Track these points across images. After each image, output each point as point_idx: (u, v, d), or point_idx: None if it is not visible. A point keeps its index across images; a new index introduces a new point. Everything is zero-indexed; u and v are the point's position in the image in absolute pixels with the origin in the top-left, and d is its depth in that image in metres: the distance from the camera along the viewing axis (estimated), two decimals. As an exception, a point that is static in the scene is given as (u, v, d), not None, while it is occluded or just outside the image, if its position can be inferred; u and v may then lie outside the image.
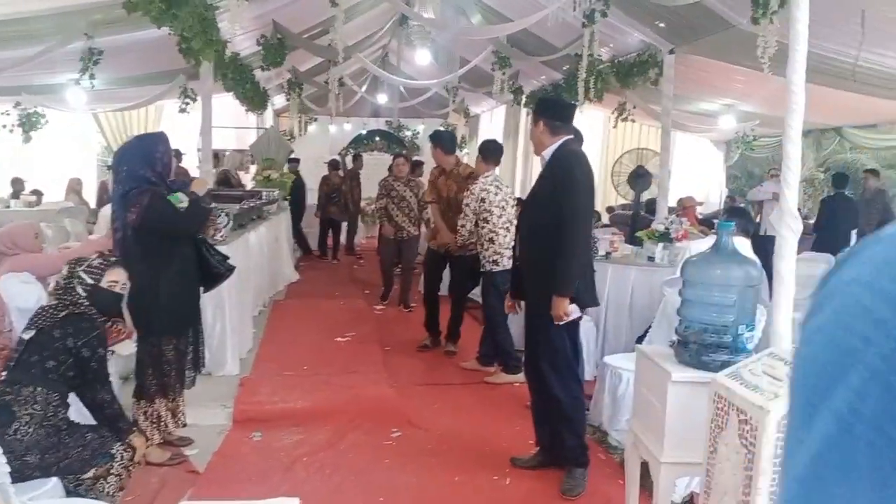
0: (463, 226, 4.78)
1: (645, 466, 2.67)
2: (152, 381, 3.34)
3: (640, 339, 4.57)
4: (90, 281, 2.76)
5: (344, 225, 11.19)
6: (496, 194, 4.74)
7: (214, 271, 3.57)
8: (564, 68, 8.69)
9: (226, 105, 11.47)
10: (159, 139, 3.41)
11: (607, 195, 12.00)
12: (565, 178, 3.16)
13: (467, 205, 4.75)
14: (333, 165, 11.12)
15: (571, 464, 3.23)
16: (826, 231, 7.78)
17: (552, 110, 3.41)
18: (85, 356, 2.60)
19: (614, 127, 9.25)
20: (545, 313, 3.13)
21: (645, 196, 8.63)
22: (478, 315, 5.80)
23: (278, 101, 13.51)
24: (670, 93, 6.90)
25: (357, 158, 11.53)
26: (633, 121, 9.15)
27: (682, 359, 2.44)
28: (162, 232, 3.27)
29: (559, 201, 3.12)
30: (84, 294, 2.72)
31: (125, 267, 3.51)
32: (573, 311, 3.14)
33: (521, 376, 4.65)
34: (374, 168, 12.37)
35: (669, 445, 2.39)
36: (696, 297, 2.40)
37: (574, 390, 3.26)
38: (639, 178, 8.22)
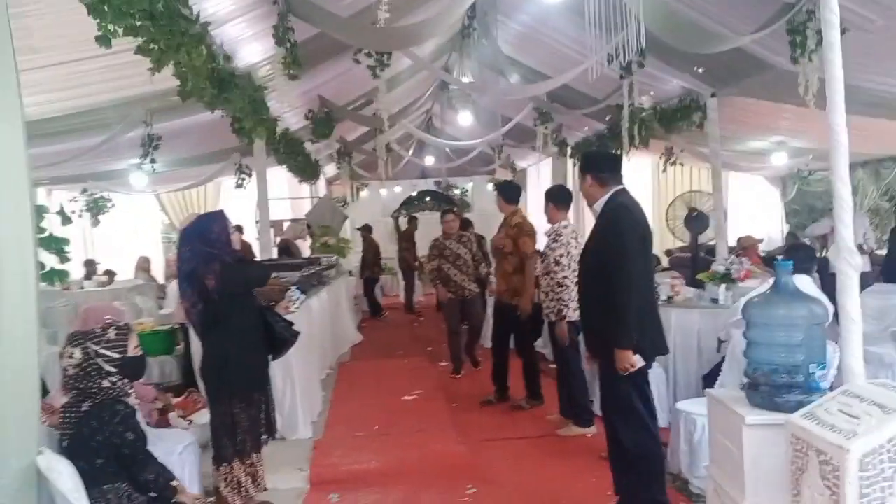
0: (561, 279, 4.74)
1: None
2: (227, 444, 3.46)
3: (706, 377, 4.51)
4: (116, 355, 2.66)
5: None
6: (576, 246, 4.76)
7: (280, 337, 3.73)
8: (607, 118, 8.80)
9: (280, 177, 11.98)
10: (215, 218, 3.59)
11: (664, 239, 11.91)
12: (613, 230, 3.23)
13: (562, 255, 4.71)
14: (367, 230, 11.52)
15: None
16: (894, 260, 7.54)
17: (597, 163, 3.49)
18: (116, 443, 2.55)
19: (663, 171, 9.26)
20: (607, 364, 3.16)
21: (702, 238, 8.56)
22: (544, 367, 5.83)
23: (329, 169, 14.00)
24: (717, 134, 6.92)
25: (412, 220, 11.81)
26: (682, 164, 9.15)
27: (755, 401, 2.43)
28: (240, 290, 3.49)
29: (608, 254, 3.18)
30: (114, 370, 2.63)
31: (199, 337, 3.72)
32: (638, 360, 3.13)
33: (593, 428, 4.65)
34: (426, 226, 12.66)
35: (751, 491, 2.36)
36: (762, 339, 2.40)
37: (643, 441, 3.21)
38: (694, 219, 8.17)
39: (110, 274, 9.62)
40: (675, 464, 3.81)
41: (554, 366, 5.52)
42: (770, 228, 11.48)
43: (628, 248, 3.14)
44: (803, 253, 4.33)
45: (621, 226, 3.20)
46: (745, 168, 10.19)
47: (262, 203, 7.71)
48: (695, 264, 7.45)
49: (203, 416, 4.44)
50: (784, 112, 7.16)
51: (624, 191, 3.41)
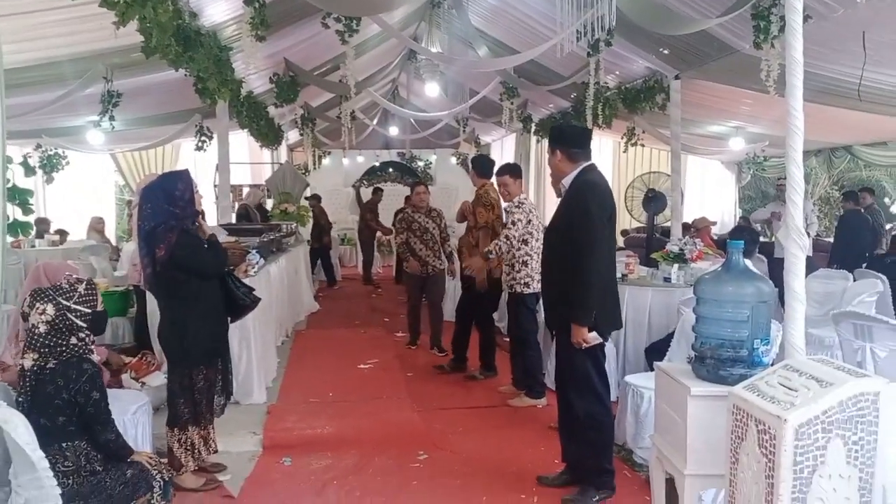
0: (499, 246, 4.74)
1: (670, 482, 2.73)
2: (184, 409, 3.44)
3: (647, 350, 4.66)
4: (87, 310, 2.65)
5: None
6: (536, 217, 4.85)
7: (241, 303, 3.70)
8: (572, 96, 8.87)
9: (241, 142, 11.79)
10: (178, 177, 3.49)
11: (621, 219, 12.10)
12: (579, 209, 3.21)
13: (514, 223, 4.72)
14: (316, 199, 11.36)
15: (588, 483, 3.31)
16: (841, 248, 7.88)
17: (568, 138, 3.43)
18: (80, 402, 2.54)
19: (624, 152, 9.38)
20: (567, 337, 3.24)
21: (659, 219, 8.74)
22: (499, 340, 5.92)
23: (292, 136, 13.81)
24: (678, 117, 7.03)
25: (377, 191, 11.72)
26: (642, 145, 9.28)
27: (700, 374, 2.53)
28: (187, 269, 3.37)
29: (575, 233, 3.19)
30: (84, 325, 2.63)
31: (157, 299, 3.67)
32: (594, 337, 3.20)
33: (544, 400, 4.76)
34: (388, 198, 12.61)
35: (692, 458, 2.46)
36: (710, 314, 2.49)
37: (596, 412, 3.31)
38: (652, 200, 8.33)
39: (62, 233, 9.37)
40: (620, 435, 3.92)
41: (507, 339, 5.62)
42: (724, 212, 11.79)
43: (595, 228, 3.15)
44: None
45: (589, 206, 3.18)
46: (704, 152, 10.39)
47: (223, 166, 7.59)
48: (650, 244, 7.62)
49: (156, 379, 4.40)
50: (744, 97, 7.31)
51: (592, 167, 3.38)
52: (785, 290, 2.31)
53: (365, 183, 15.38)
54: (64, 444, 2.50)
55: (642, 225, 9.70)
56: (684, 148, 9.24)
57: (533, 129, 11.35)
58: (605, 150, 12.05)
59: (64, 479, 2.44)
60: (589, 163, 3.37)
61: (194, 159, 10.00)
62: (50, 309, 2.55)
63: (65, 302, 2.59)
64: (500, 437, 4.22)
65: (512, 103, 9.96)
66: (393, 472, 3.63)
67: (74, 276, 2.86)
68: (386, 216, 11.52)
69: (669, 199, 7.87)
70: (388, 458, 3.81)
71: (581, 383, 3.31)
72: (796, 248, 2.24)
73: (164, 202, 3.37)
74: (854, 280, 5.38)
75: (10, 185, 2.91)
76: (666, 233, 8.03)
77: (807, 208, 6.94)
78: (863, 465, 1.98)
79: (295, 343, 6.61)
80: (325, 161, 16.25)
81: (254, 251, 4.72)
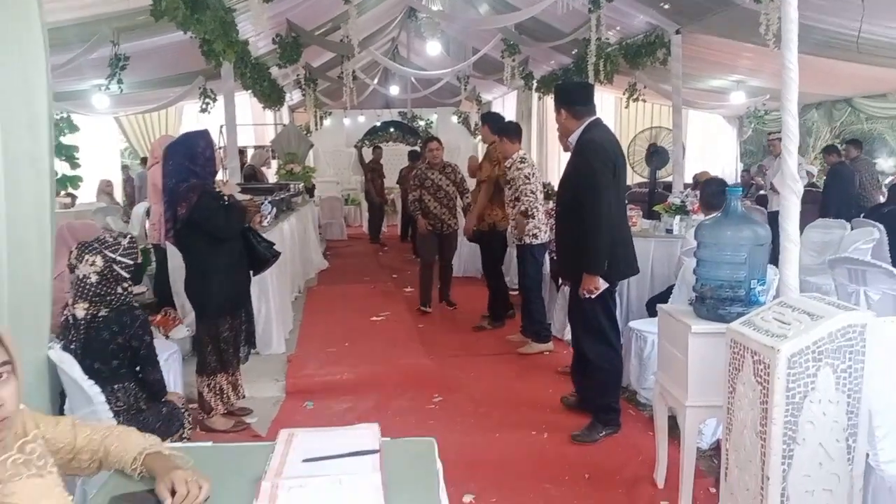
0: (530, 202, 4.90)
1: (672, 419, 2.93)
2: (212, 357, 3.64)
3: (650, 302, 4.85)
4: (130, 261, 2.79)
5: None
6: (537, 171, 5.04)
7: (262, 257, 3.87)
8: (573, 52, 8.89)
9: (243, 103, 11.81)
10: (201, 135, 3.63)
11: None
12: (584, 167, 3.36)
13: (528, 178, 4.89)
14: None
15: (595, 419, 3.57)
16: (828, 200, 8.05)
17: (571, 95, 3.57)
18: (134, 346, 2.71)
19: (626, 107, 9.44)
20: (578, 286, 3.44)
21: (661, 174, 8.86)
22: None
23: (293, 96, 13.81)
24: (679, 72, 7.10)
25: (376, 150, 11.81)
26: (644, 101, 9.34)
27: (701, 313, 2.70)
28: (203, 230, 3.49)
29: (581, 189, 3.35)
30: (127, 275, 2.77)
31: (182, 254, 3.83)
32: (602, 284, 3.39)
33: (550, 345, 4.98)
34: (390, 157, 12.70)
35: (693, 391, 2.66)
36: (710, 257, 2.66)
37: (604, 355, 3.53)
38: (654, 154, 8.45)
39: (72, 196, 9.49)
40: (624, 377, 4.14)
41: (515, 292, 5.81)
42: (725, 166, 11.88)
43: (600, 183, 3.30)
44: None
45: (593, 163, 3.33)
46: (705, 106, 10.44)
47: (230, 128, 7.66)
48: (652, 198, 7.76)
49: (180, 332, 4.60)
50: (744, 51, 7.36)
51: (597, 122, 3.52)
52: (780, 232, 2.47)
53: (367, 143, 15.43)
54: (116, 386, 2.68)
55: (645, 180, 9.82)
56: (685, 103, 9.29)
57: (534, 87, 11.37)
58: (606, 106, 12.06)
59: (115, 417, 2.61)
60: (594, 118, 3.51)
61: (198, 121, 10.06)
62: (98, 260, 2.70)
63: (111, 254, 2.74)
64: (511, 380, 4.44)
65: (514, 60, 9.97)
66: (411, 413, 3.86)
67: (111, 231, 3.03)
68: (389, 176, 11.64)
69: (671, 154, 7.98)
70: (405, 400, 4.03)
71: (591, 327, 3.53)
72: (790, 193, 2.39)
73: (186, 160, 3.50)
74: (851, 229, 5.54)
75: (56, 142, 3.05)
76: (668, 187, 8.16)
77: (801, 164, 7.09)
78: (850, 391, 2.16)
79: (308, 298, 6.81)
80: (327, 122, 16.27)
81: (266, 202, 4.87)
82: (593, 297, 3.40)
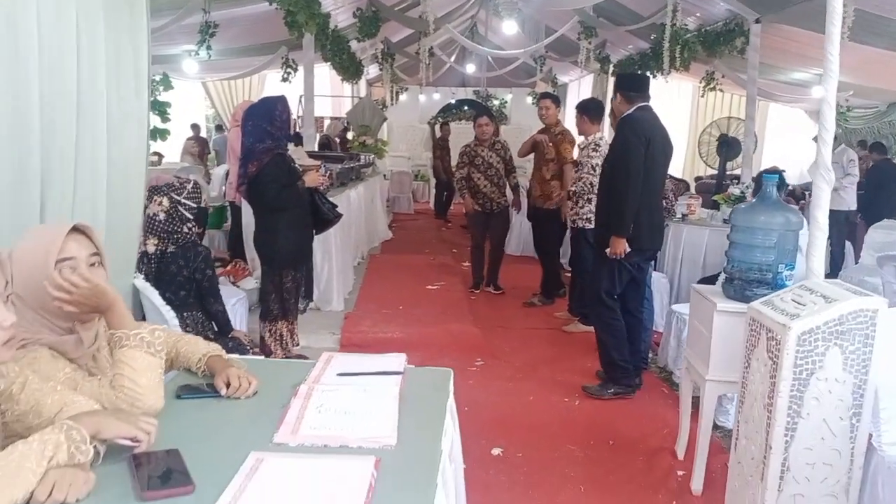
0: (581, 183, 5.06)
1: (697, 400, 3.06)
2: (275, 305, 3.97)
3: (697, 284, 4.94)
4: (194, 204, 3.06)
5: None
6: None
7: (325, 217, 4.17)
8: (651, 37, 8.82)
9: (323, 75, 12.22)
10: (279, 100, 3.91)
11: (696, 165, 12.03)
12: (619, 143, 3.74)
13: (597, 166, 4.86)
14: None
15: (607, 378, 3.89)
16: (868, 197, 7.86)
17: (626, 82, 4.00)
18: (198, 279, 3.03)
19: (702, 96, 9.31)
20: (599, 249, 3.82)
21: (732, 167, 8.72)
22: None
23: (371, 71, 14.17)
24: (755, 61, 6.98)
25: (444, 126, 12.05)
26: (721, 90, 9.19)
27: (728, 293, 2.82)
28: (261, 192, 3.72)
29: (615, 159, 3.72)
30: (191, 217, 3.05)
31: (252, 209, 4.17)
32: (625, 249, 3.70)
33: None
34: (462, 136, 12.87)
35: (714, 366, 2.79)
36: (742, 240, 2.77)
37: (605, 316, 3.87)
38: (724, 145, 8.33)
39: (158, 155, 10.11)
40: (662, 357, 4.28)
41: (569, 273, 5.95)
42: (802, 162, 11.51)
43: (630, 154, 3.61)
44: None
45: (626, 136, 3.67)
46: (783, 99, 10.15)
47: (308, 98, 8.02)
48: (718, 188, 7.69)
49: (248, 283, 4.99)
50: (826, 44, 7.16)
51: (646, 107, 3.77)
52: (810, 219, 2.56)
53: (440, 120, 15.69)
54: (185, 314, 3.01)
55: (716, 171, 9.67)
56: (764, 94, 9.08)
57: (611, 71, 11.30)
58: (683, 94, 11.90)
59: None
60: (643, 104, 3.75)
61: (279, 90, 10.51)
62: (165, 201, 3.03)
63: (176, 196, 3.06)
64: (551, 353, 4.63)
65: (590, 43, 9.96)
66: (453, 372, 4.09)
67: (179, 178, 3.36)
68: (456, 153, 11.88)
69: (743, 146, 7.86)
70: (449, 360, 4.27)
71: (594, 286, 3.91)
72: (822, 182, 2.47)
73: (264, 122, 3.81)
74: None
75: (152, 98, 3.42)
76: (738, 180, 8.05)
77: (845, 156, 6.92)
78: (857, 372, 2.26)
79: (369, 264, 7.15)
80: (402, 97, 16.58)
81: (322, 165, 5.16)
82: (619, 258, 3.71)
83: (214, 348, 1.76)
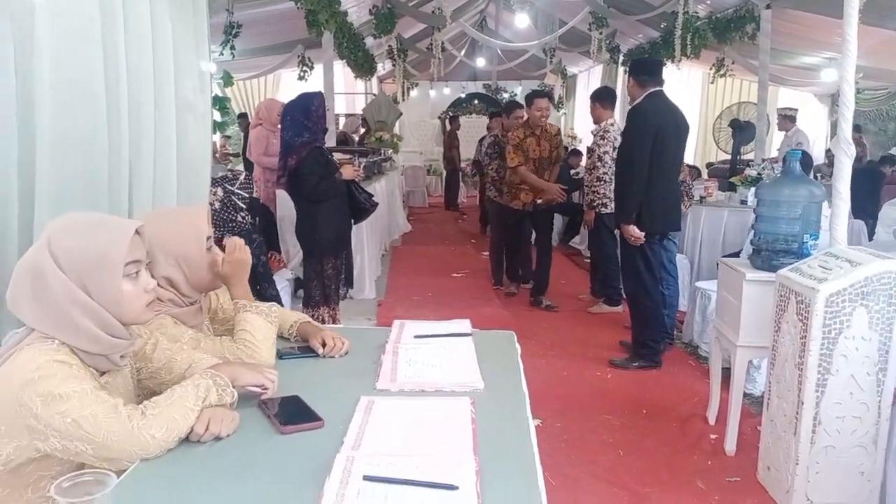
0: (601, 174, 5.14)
1: (726, 370, 3.23)
2: (317, 291, 4.15)
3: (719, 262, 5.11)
4: (246, 195, 3.28)
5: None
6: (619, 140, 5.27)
7: (362, 206, 4.36)
8: (662, 26, 8.95)
9: (336, 72, 12.41)
10: (315, 96, 4.09)
11: (708, 150, 12.15)
12: (627, 130, 3.97)
13: (606, 152, 5.09)
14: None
15: (635, 353, 4.09)
16: None
17: (639, 67, 4.14)
18: (253, 264, 3.27)
19: (711, 83, 9.44)
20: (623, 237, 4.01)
21: (746, 149, 8.84)
22: (579, 261, 6.44)
23: (381, 67, 14.34)
24: (767, 47, 7.11)
25: (454, 120, 12.24)
26: (732, 76, 9.30)
27: (756, 264, 2.99)
28: (299, 185, 3.87)
29: (622, 149, 4.00)
30: (244, 206, 3.23)
31: (293, 200, 4.36)
32: (637, 233, 3.88)
33: (620, 308, 5.28)
34: (472, 130, 13.06)
35: (744, 332, 2.96)
36: (768, 213, 2.94)
37: (640, 296, 4.04)
38: (738, 129, 8.46)
39: (181, 155, 10.33)
40: (687, 333, 4.46)
41: (588, 260, 6.12)
42: (815, 145, 11.60)
43: (634, 146, 3.83)
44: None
45: (633, 129, 3.90)
46: (794, 83, 10.25)
47: (327, 94, 8.21)
48: (732, 171, 7.82)
49: (285, 274, 5.20)
50: (836, 27, 7.19)
51: (658, 93, 3.96)
52: (833, 191, 2.73)
53: (451, 114, 15.85)
54: None
55: (729, 157, 9.80)
56: (775, 79, 9.18)
57: (620, 60, 11.43)
58: (694, 80, 12.00)
59: None
60: (656, 88, 3.94)
61: (295, 89, 10.70)
62: (220, 191, 3.23)
63: (229, 187, 3.27)
64: (580, 332, 4.81)
65: (601, 33, 10.10)
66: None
67: (233, 170, 3.58)
68: (470, 146, 12.05)
69: (757, 130, 8.00)
70: (483, 340, 4.47)
71: (630, 272, 4.08)
72: (843, 156, 2.64)
73: (301, 116, 4.00)
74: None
75: (213, 94, 3.61)
76: (750, 165, 8.18)
77: (795, 138, 7.03)
78: (882, 330, 2.43)
79: (393, 256, 7.36)
80: (413, 93, 16.74)
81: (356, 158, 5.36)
82: (638, 243, 3.90)
83: (302, 316, 1.95)
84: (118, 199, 2.16)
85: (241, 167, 8.78)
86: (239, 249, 1.69)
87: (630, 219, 3.88)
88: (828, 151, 10.84)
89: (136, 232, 1.33)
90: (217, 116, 3.88)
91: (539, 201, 5.35)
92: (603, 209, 5.21)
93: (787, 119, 7.22)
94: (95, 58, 2.00)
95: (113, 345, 1.30)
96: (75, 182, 1.96)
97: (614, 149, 5.13)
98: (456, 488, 1.10)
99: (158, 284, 1.60)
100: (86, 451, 1.21)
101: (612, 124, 5.25)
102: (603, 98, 5.38)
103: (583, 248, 6.75)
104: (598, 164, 5.20)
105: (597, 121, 5.32)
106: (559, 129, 5.53)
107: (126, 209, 2.23)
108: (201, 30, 2.65)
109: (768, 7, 6.91)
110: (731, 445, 3.05)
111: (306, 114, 3.98)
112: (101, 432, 1.20)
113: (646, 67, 4.09)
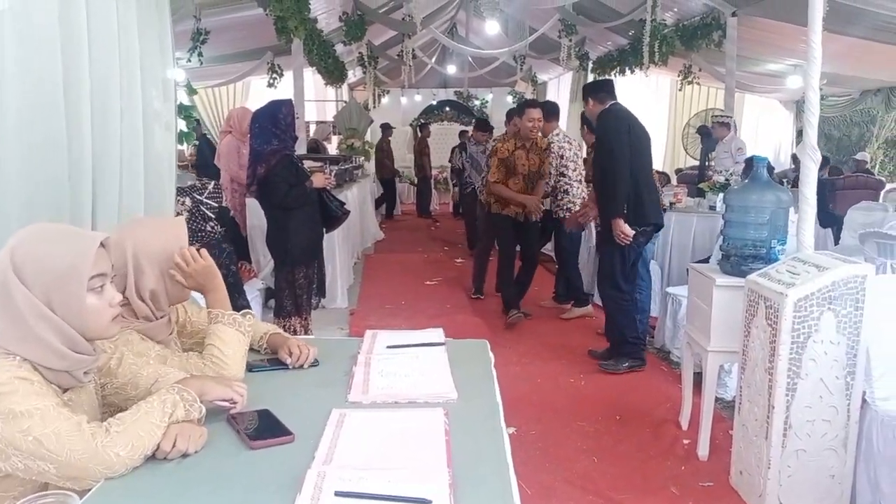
0: (547, 183, 5.31)
1: (697, 375, 3.26)
2: (288, 301, 4.10)
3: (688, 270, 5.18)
4: (215, 204, 3.24)
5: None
6: (570, 150, 5.37)
7: (333, 214, 4.32)
8: (630, 33, 9.06)
9: (306, 79, 12.35)
10: (283, 103, 4.05)
11: (677, 157, 12.33)
12: (602, 134, 4.10)
13: (550, 163, 5.28)
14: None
15: (619, 353, 4.13)
16: None
17: (596, 87, 4.36)
18: (224, 273, 3.20)
19: (679, 90, 9.58)
20: (607, 236, 4.04)
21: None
22: (550, 268, 6.47)
23: (351, 74, 14.30)
24: (733, 54, 7.25)
25: (424, 128, 12.27)
26: (698, 83, 9.46)
27: (725, 269, 3.02)
28: (269, 194, 3.85)
29: (601, 151, 4.06)
30: (213, 216, 3.19)
31: (262, 209, 4.31)
32: (628, 230, 3.93)
33: (589, 308, 5.33)
34: (444, 137, 13.06)
35: (715, 337, 2.98)
36: (736, 219, 2.97)
37: (617, 297, 4.11)
38: (707, 136, 8.60)
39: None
40: (659, 338, 4.49)
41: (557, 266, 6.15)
42: (781, 151, 11.86)
43: (615, 145, 3.92)
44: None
45: (607, 130, 4.02)
46: (760, 90, 10.47)
47: (298, 102, 8.16)
48: (701, 176, 7.94)
49: (255, 284, 5.13)
50: (801, 34, 7.38)
51: (616, 104, 4.13)
52: (800, 196, 2.77)
53: (421, 122, 15.86)
54: None
55: (696, 163, 9.95)
56: (741, 86, 9.35)
57: (590, 67, 11.55)
58: (661, 88, 12.18)
59: None
60: (614, 101, 4.11)
61: (264, 96, 10.61)
62: (188, 201, 3.17)
63: (198, 196, 3.20)
64: (553, 338, 4.82)
65: (570, 40, 10.19)
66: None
67: (201, 179, 3.52)
68: (441, 154, 12.10)
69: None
70: (456, 349, 4.46)
71: (607, 272, 4.14)
72: (809, 161, 2.68)
73: (270, 124, 3.95)
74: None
75: (178, 102, 3.54)
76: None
77: (733, 144, 7.17)
78: (850, 333, 2.47)
79: (366, 264, 7.31)
80: (384, 100, 16.71)
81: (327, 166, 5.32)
82: (627, 242, 3.94)
83: (272, 328, 1.92)
84: (80, 208, 2.11)
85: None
86: (196, 260, 1.64)
87: (620, 211, 3.93)
88: (794, 157, 11.09)
89: (102, 244, 1.29)
90: (183, 126, 3.80)
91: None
92: (567, 214, 5.34)
93: (723, 126, 7.35)
94: (56, 64, 1.95)
95: (77, 361, 1.26)
96: (42, 189, 1.91)
97: (561, 157, 5.33)
98: (429, 502, 1.08)
99: (141, 298, 1.56)
100: (48, 471, 1.17)
101: (556, 135, 5.42)
102: (549, 112, 5.47)
103: (553, 255, 6.79)
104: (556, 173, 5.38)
105: (545, 133, 5.37)
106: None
107: (89, 218, 2.18)
108: (165, 34, 2.60)
109: (734, 15, 7.04)
110: (703, 450, 3.07)
111: (275, 122, 3.94)
112: (64, 450, 1.16)
113: (602, 86, 4.30)
